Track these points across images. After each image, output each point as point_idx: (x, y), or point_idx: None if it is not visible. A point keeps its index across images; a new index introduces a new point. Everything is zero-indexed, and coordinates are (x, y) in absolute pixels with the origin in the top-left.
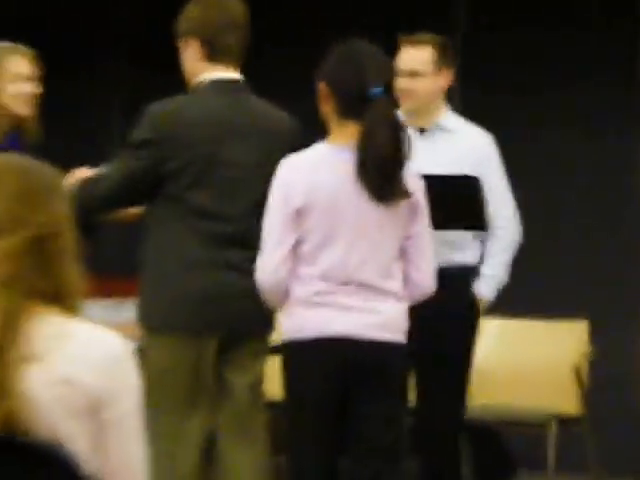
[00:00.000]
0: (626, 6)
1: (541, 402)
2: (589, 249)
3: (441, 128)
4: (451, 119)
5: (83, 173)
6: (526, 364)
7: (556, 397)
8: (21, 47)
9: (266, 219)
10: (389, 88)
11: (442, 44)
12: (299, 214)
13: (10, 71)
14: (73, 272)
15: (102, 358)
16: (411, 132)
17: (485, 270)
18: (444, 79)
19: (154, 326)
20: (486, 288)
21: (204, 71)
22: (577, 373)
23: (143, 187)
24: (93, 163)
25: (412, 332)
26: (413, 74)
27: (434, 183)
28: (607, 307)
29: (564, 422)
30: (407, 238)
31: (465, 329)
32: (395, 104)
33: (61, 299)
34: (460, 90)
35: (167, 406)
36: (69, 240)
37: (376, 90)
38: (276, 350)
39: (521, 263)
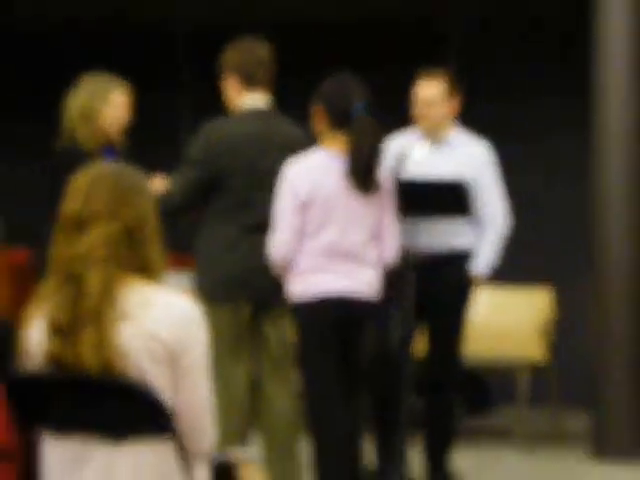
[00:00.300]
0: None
1: (516, 352)
2: (553, 229)
3: (449, 143)
4: (457, 135)
5: (160, 179)
6: (505, 322)
7: (527, 347)
8: (119, 80)
9: (278, 207)
10: (368, 106)
11: (451, 77)
12: (304, 205)
13: (112, 102)
14: (156, 253)
15: (177, 319)
16: (427, 145)
17: (481, 253)
18: (452, 106)
19: (205, 297)
20: (482, 267)
21: (243, 97)
22: (544, 329)
23: (201, 193)
24: (167, 168)
25: (426, 301)
26: (428, 103)
27: (432, 188)
28: (568, 275)
29: (533, 365)
30: (380, 224)
31: (463, 298)
32: (374, 119)
33: (147, 273)
34: None
35: (218, 357)
36: (153, 228)
37: (358, 107)
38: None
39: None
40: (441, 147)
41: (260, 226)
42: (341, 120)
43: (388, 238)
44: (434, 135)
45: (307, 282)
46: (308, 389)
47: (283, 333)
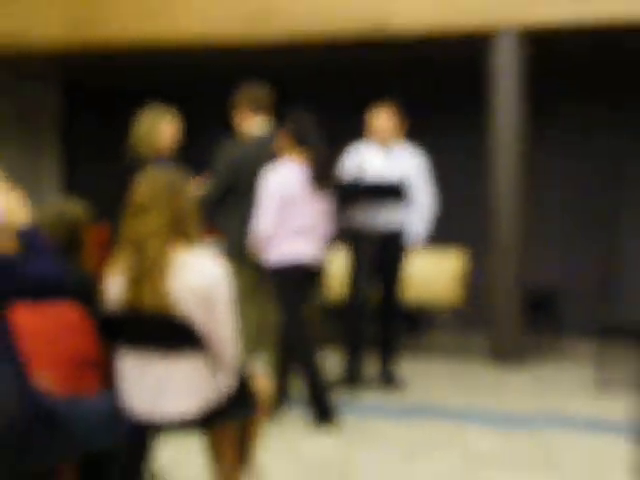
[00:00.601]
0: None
1: (438, 290)
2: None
3: (395, 151)
4: (401, 145)
5: (198, 180)
6: (432, 274)
7: (446, 287)
8: (170, 110)
9: (262, 200)
10: (319, 134)
11: (399, 108)
12: (281, 200)
13: (164, 128)
14: (194, 228)
15: (208, 274)
16: (381, 152)
17: (415, 228)
18: (401, 128)
19: (230, 257)
20: (416, 237)
21: (250, 123)
22: (457, 276)
23: (225, 191)
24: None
25: (380, 259)
26: (384, 128)
27: (382, 185)
28: (478, 240)
29: (449, 301)
30: (325, 211)
31: (402, 257)
32: (323, 142)
33: (188, 242)
34: None
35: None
36: (191, 212)
37: (313, 134)
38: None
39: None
40: (390, 154)
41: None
42: (301, 142)
43: (328, 222)
44: (385, 146)
45: (284, 250)
46: (288, 317)
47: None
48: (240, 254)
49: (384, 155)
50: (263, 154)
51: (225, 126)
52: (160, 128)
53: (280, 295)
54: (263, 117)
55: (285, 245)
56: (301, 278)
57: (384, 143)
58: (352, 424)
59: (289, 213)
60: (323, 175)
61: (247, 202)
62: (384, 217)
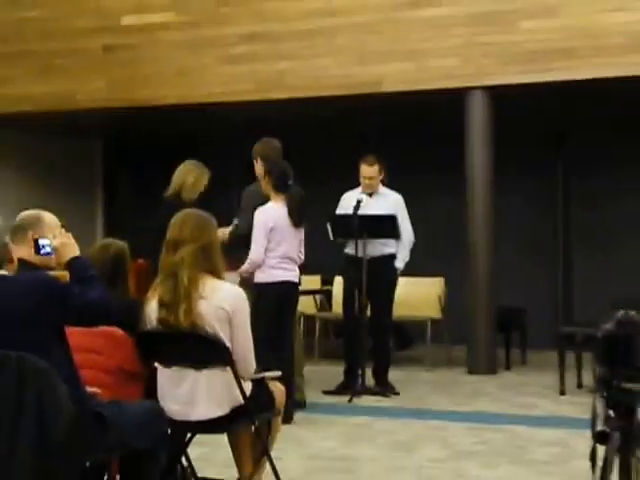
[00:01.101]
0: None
1: (424, 312)
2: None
3: (379, 194)
4: (383, 190)
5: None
6: (417, 296)
7: (431, 310)
8: (206, 166)
9: (254, 234)
10: (294, 181)
11: (381, 160)
12: (270, 232)
13: (203, 179)
14: (219, 261)
15: (231, 297)
16: (367, 197)
17: (399, 256)
18: (381, 177)
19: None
20: (400, 264)
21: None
22: (439, 299)
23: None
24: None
25: (368, 284)
26: (370, 175)
27: (376, 218)
28: (454, 268)
29: (433, 321)
30: (299, 243)
31: (391, 284)
32: (298, 188)
33: (214, 272)
34: None
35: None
36: (217, 247)
37: (290, 182)
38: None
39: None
40: (375, 197)
41: None
42: (282, 190)
43: (301, 249)
44: (371, 191)
45: (272, 273)
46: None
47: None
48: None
49: (373, 197)
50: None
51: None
52: (204, 178)
53: (262, 311)
54: None
55: (273, 268)
56: (284, 295)
57: (371, 188)
58: (352, 423)
59: (276, 242)
60: (297, 216)
61: None
62: (375, 246)
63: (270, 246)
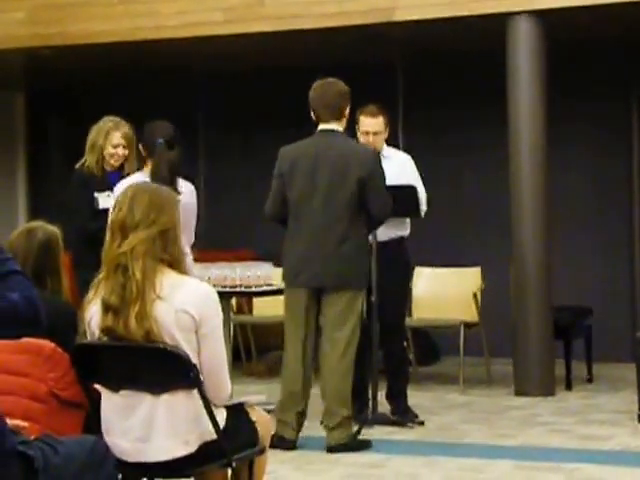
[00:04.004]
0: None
1: (455, 315)
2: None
3: (384, 157)
4: (389, 151)
5: None
6: (447, 293)
7: (463, 311)
8: (121, 121)
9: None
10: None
11: (387, 112)
12: None
13: (111, 141)
14: (179, 250)
15: (198, 297)
16: None
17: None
18: (386, 133)
19: (283, 280)
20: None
21: (318, 125)
22: (475, 298)
23: (281, 202)
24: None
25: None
26: (376, 132)
27: (390, 190)
28: (492, 258)
29: (468, 325)
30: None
31: (405, 275)
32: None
33: (175, 265)
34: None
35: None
36: (179, 231)
37: (159, 142)
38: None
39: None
40: (382, 161)
41: (317, 227)
42: (150, 152)
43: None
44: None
45: None
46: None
47: (338, 311)
48: (291, 276)
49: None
50: (322, 153)
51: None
52: (110, 137)
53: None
54: (328, 122)
55: None
56: None
57: (374, 148)
58: (361, 463)
59: None
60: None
61: (297, 219)
62: (382, 227)
63: None
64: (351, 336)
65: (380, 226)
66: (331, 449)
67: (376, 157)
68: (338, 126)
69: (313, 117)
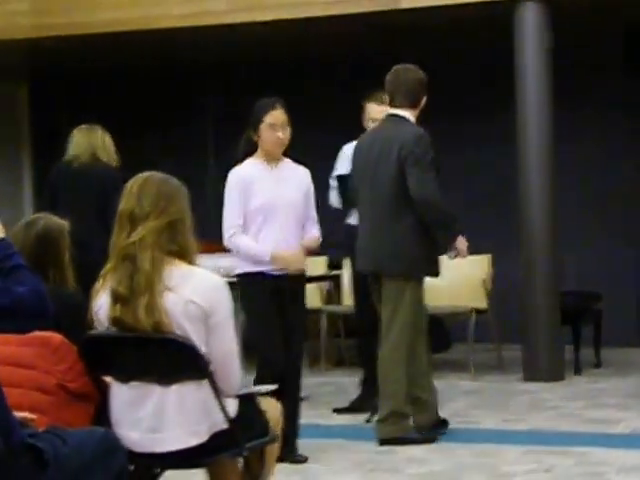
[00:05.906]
0: None
1: (465, 302)
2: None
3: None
4: None
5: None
6: (457, 280)
7: (474, 298)
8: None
9: None
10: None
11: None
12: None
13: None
14: (191, 240)
15: (207, 288)
16: None
17: None
18: None
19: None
20: None
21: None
22: (485, 285)
23: None
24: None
25: None
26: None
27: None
28: (502, 244)
29: (478, 312)
30: None
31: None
32: None
33: (184, 255)
34: None
35: None
36: (188, 222)
37: None
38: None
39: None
40: None
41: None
42: None
43: None
44: None
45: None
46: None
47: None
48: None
49: None
50: (387, 139)
51: None
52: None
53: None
54: (398, 108)
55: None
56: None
57: None
58: (373, 450)
59: None
60: None
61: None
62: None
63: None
64: (401, 327)
65: (425, 209)
66: (381, 442)
67: (418, 138)
68: (409, 114)
69: (386, 101)
